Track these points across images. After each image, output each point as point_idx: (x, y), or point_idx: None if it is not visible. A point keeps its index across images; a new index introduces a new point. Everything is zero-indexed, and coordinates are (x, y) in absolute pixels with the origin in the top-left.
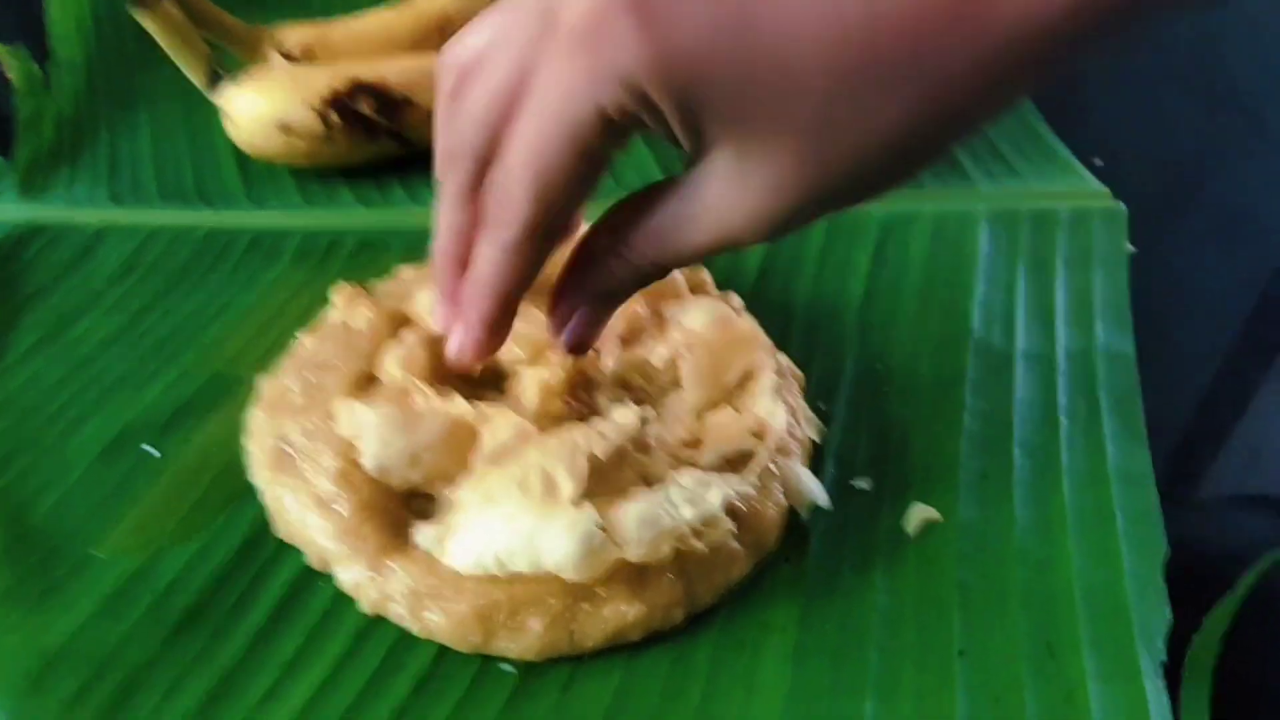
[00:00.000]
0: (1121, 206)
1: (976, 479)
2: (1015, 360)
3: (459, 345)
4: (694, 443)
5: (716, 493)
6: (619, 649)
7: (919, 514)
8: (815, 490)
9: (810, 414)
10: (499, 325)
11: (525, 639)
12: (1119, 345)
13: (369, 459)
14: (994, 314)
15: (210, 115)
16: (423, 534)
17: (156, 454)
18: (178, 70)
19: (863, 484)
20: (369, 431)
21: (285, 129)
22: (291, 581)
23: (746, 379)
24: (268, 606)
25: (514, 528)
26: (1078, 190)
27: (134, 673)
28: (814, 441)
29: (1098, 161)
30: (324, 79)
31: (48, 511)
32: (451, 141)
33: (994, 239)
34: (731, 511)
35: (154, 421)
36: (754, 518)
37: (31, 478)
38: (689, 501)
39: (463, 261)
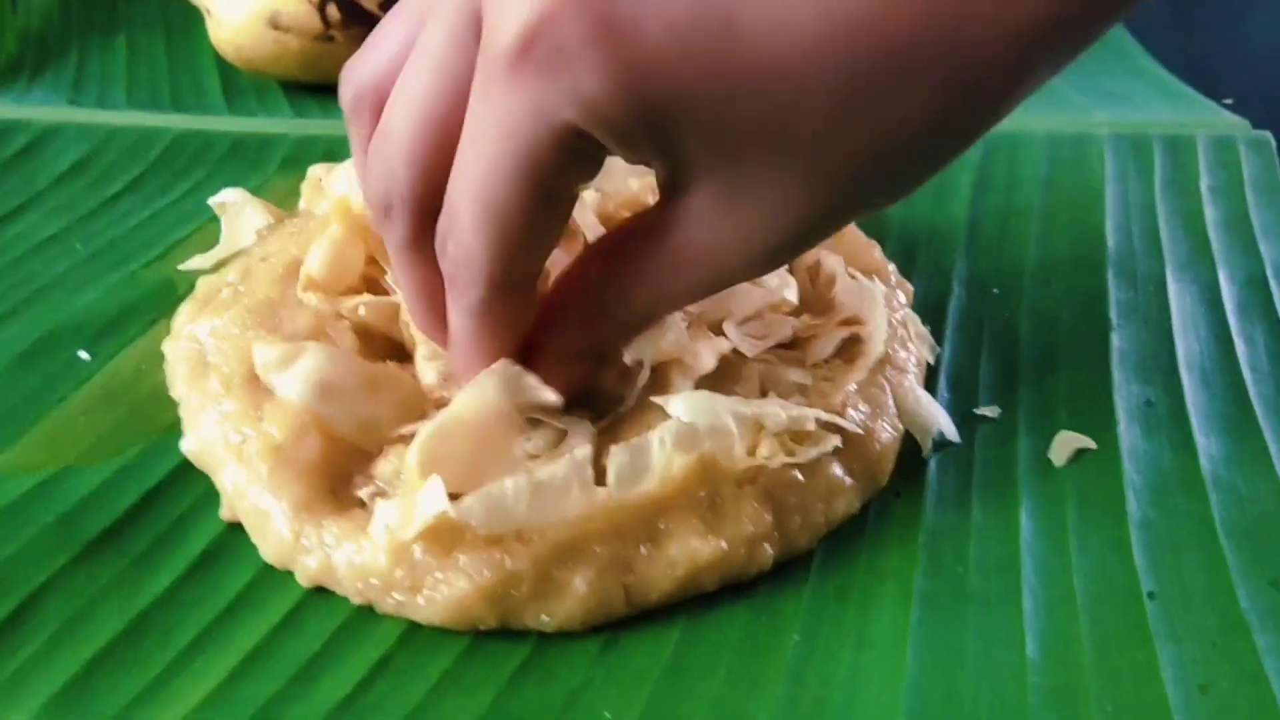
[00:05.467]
0: (1268, 136)
1: (1139, 405)
2: (1167, 283)
3: None
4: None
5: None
6: (679, 605)
7: (1069, 442)
8: (939, 417)
9: (923, 330)
10: None
11: (565, 605)
12: None
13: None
14: (1134, 235)
15: (196, 40)
16: (384, 511)
17: (87, 357)
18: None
19: (989, 411)
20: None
21: (276, 24)
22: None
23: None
24: (203, 541)
25: None
26: (1213, 121)
27: (31, 595)
28: (928, 364)
29: (1227, 101)
30: None
31: None
32: (380, 189)
33: (1120, 161)
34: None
35: (88, 325)
36: (863, 443)
37: None
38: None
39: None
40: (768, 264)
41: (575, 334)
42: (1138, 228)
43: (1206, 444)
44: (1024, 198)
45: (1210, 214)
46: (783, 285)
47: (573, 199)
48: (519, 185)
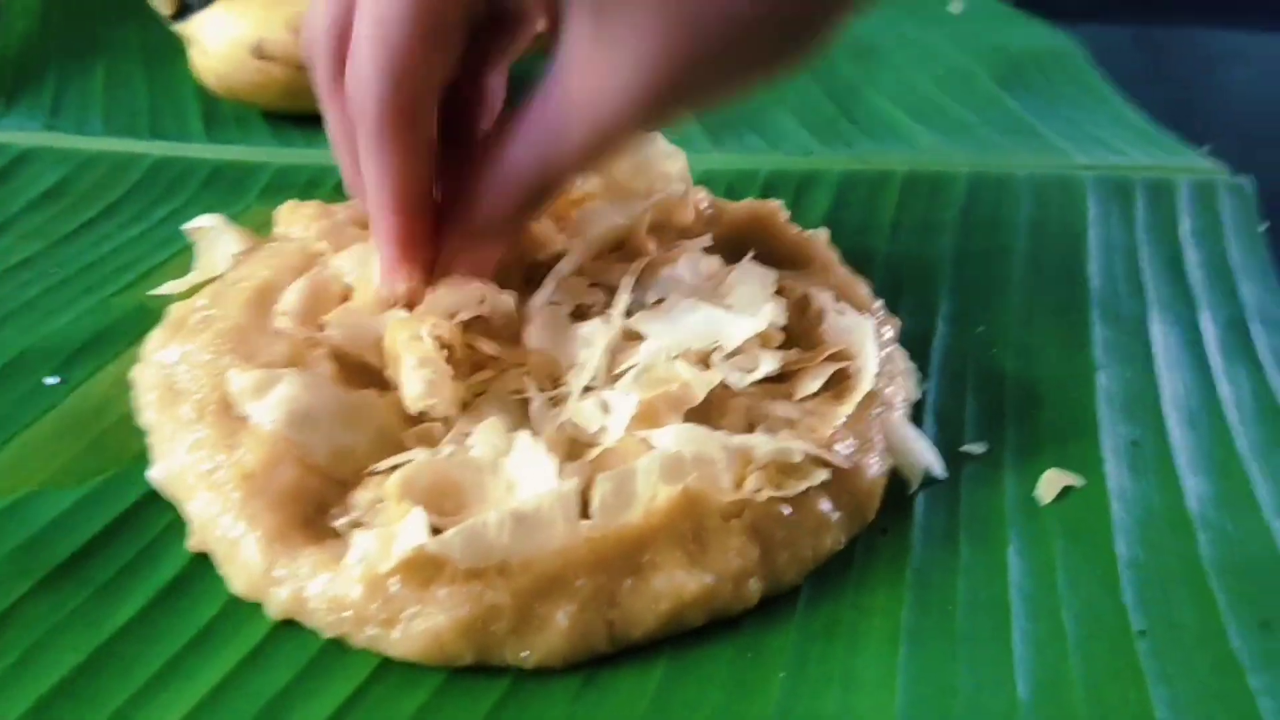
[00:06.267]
0: (1246, 181)
1: (1126, 445)
2: (1150, 323)
3: (379, 274)
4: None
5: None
6: (662, 641)
7: (1057, 480)
8: (927, 452)
9: (909, 366)
10: (408, 237)
11: (546, 639)
12: (1275, 311)
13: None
14: (1117, 277)
15: (176, 69)
16: (361, 541)
17: (56, 382)
18: (143, 26)
19: (976, 448)
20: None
21: (260, 53)
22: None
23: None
24: (169, 571)
25: None
26: (1193, 165)
27: None
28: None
29: (1207, 147)
30: None
31: None
32: (307, 38)
33: (1104, 204)
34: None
35: (59, 350)
36: (851, 478)
37: None
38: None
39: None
40: (639, 116)
41: (475, 205)
42: (1120, 269)
43: (1194, 484)
44: (1008, 238)
45: (1191, 256)
46: (772, 313)
47: (461, 29)
48: (409, 13)
